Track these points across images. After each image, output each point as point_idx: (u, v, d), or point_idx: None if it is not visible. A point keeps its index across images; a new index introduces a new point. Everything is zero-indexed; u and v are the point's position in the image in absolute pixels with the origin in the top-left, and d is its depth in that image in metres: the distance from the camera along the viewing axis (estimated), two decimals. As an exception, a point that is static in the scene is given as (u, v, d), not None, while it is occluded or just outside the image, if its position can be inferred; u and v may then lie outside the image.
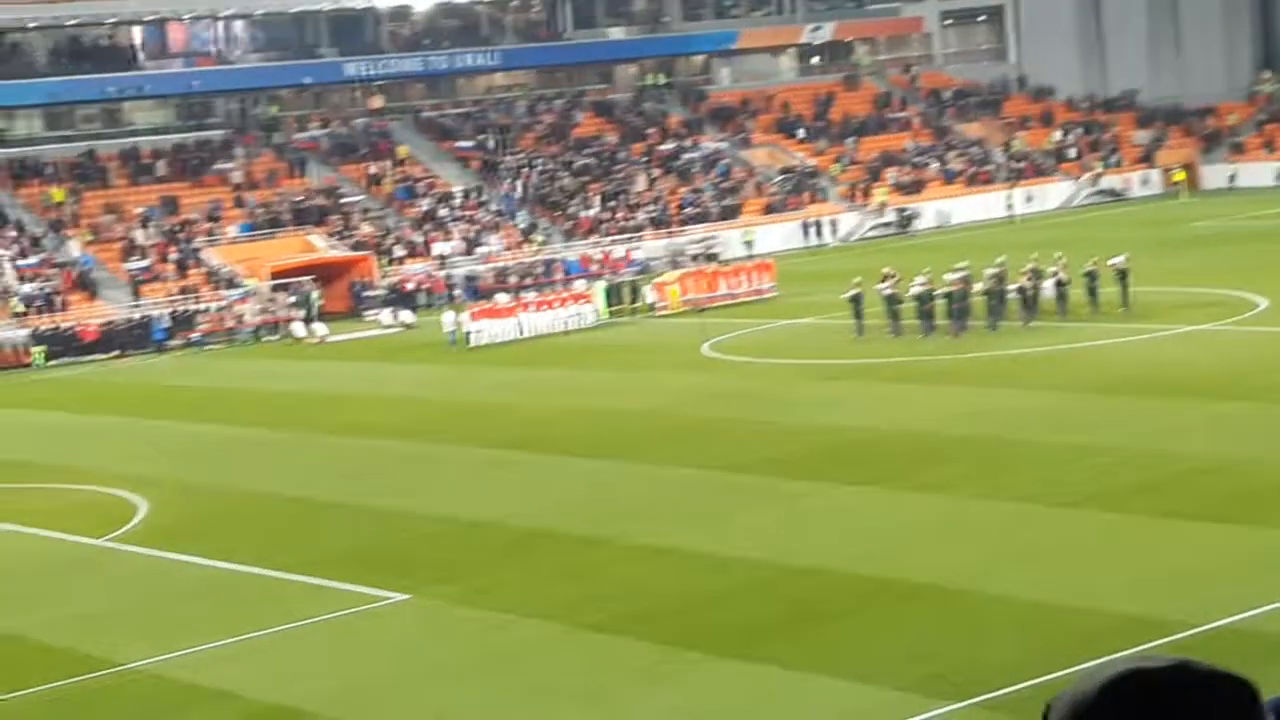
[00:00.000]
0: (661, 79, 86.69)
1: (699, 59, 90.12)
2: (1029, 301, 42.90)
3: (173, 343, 58.57)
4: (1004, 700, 16.98)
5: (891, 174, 79.10)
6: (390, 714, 18.69)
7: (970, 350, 40.03)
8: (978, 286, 43.32)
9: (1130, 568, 21.23)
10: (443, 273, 66.15)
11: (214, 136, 75.34)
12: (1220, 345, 37.62)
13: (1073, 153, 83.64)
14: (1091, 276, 43.45)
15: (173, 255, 65.59)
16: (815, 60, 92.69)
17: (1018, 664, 17.76)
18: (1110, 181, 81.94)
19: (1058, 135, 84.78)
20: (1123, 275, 43.49)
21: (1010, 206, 77.19)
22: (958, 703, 17.07)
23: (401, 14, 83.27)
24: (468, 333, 50.76)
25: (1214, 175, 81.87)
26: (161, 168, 72.15)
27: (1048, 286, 43.56)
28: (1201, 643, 17.62)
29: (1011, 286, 43.30)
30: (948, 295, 43.10)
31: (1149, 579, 20.60)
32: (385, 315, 59.65)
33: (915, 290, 43.30)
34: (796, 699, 17.83)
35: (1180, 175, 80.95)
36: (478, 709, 18.57)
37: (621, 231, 71.13)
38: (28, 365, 56.61)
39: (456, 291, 63.63)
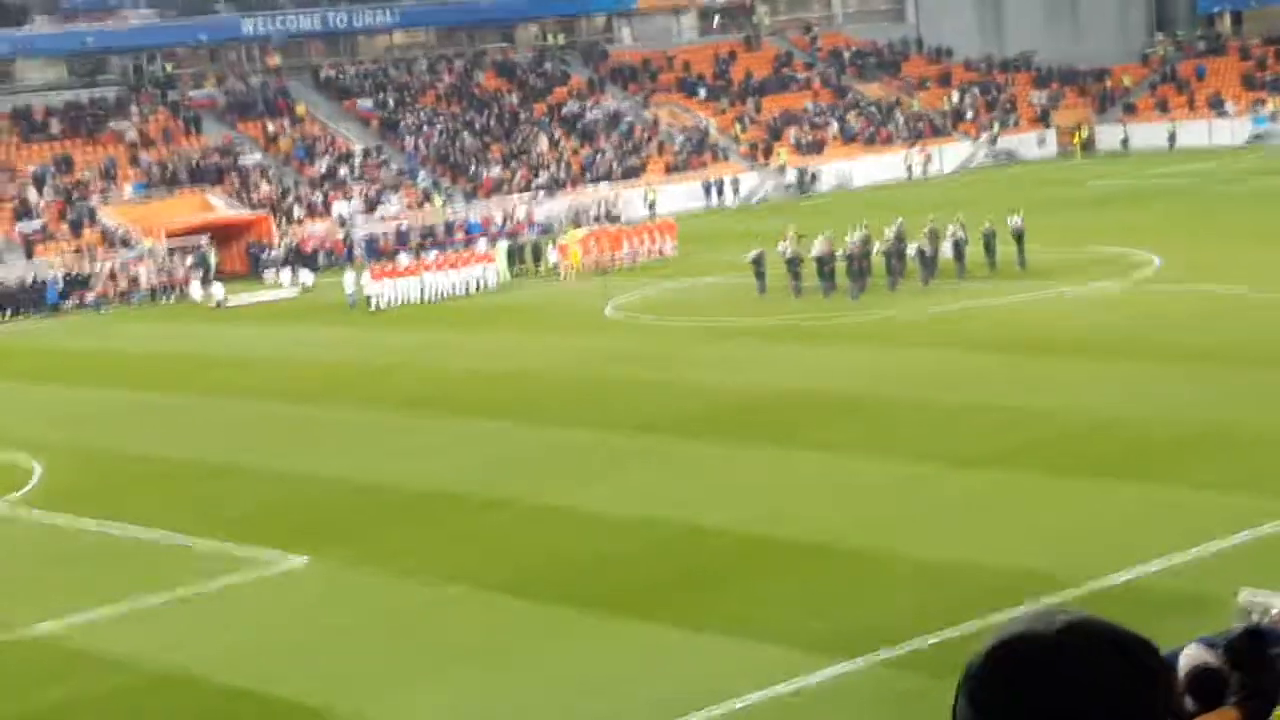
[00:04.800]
0: (562, 39, 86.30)
1: (600, 19, 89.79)
2: (928, 261, 43.27)
3: (67, 304, 57.67)
4: (901, 657, 17.18)
5: (792, 134, 79.35)
6: (287, 678, 18.58)
7: (869, 310, 40.32)
8: (877, 247, 43.62)
9: (1023, 525, 21.53)
10: (342, 233, 65.56)
11: (108, 94, 74.05)
12: (1114, 304, 38.14)
13: (970, 113, 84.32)
14: (989, 236, 43.89)
15: (67, 215, 64.50)
16: (716, 20, 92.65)
17: (914, 621, 17.96)
18: (1007, 142, 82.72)
19: (955, 96, 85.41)
20: (1019, 235, 43.97)
21: (908, 167, 77.78)
22: (855, 659, 17.25)
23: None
24: (368, 294, 50.38)
25: (1108, 136, 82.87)
26: (54, 126, 70.83)
27: (946, 246, 43.96)
28: (1094, 597, 17.93)
29: (911, 247, 43.65)
30: (848, 256, 43.35)
31: (1042, 536, 20.90)
32: (284, 276, 59.05)
33: (816, 251, 43.51)
34: (696, 658, 17.93)
35: (1082, 135, 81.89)
36: (376, 671, 18.51)
37: (523, 191, 70.84)
38: (-83, 328, 55.51)
39: (356, 252, 63.10)
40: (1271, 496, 21.13)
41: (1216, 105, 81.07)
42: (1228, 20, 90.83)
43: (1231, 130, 79.00)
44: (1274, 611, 12.32)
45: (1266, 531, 19.88)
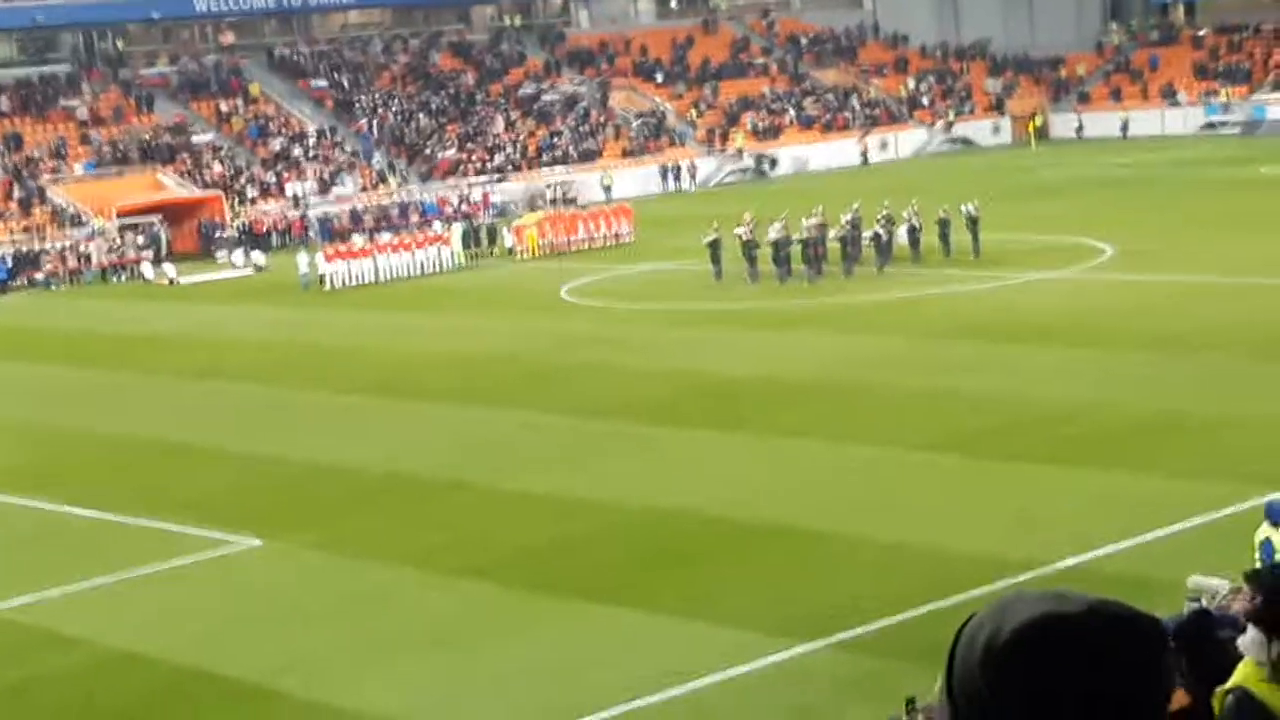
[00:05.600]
0: (519, 20, 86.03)
1: (557, 1, 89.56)
2: (883, 247, 43.38)
3: (15, 283, 57.14)
4: (863, 639, 17.23)
5: (749, 119, 79.40)
6: (242, 660, 18.46)
7: (826, 295, 40.40)
8: (833, 233, 43.69)
9: (981, 509, 21.62)
10: (296, 213, 65.20)
11: (59, 71, 73.34)
12: (1068, 292, 38.35)
13: (926, 100, 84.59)
14: (944, 223, 44.04)
15: (16, 193, 63.86)
16: (673, 4, 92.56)
17: (876, 604, 18.01)
18: (962, 129, 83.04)
19: (911, 83, 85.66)
20: (974, 222, 44.14)
21: (863, 153, 78.01)
22: (815, 642, 17.28)
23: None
24: (322, 275, 50.13)
25: (1061, 124, 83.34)
26: (4, 103, 70.10)
27: (901, 233, 44.09)
28: (1049, 581, 18.00)
29: (866, 233, 43.75)
30: (804, 241, 43.41)
31: (999, 520, 21.00)
32: (237, 256, 58.70)
33: (772, 236, 43.54)
34: (659, 642, 17.91)
35: (1037, 123, 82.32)
36: (333, 655, 18.42)
37: (479, 174, 70.61)
38: None
39: (310, 233, 62.76)
40: (1225, 481, 21.29)
41: (1169, 95, 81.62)
42: (1181, 10, 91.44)
43: (1184, 119, 79.56)
44: (1221, 596, 12.41)
45: (1220, 516, 20.03)
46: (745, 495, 23.07)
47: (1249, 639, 8.29)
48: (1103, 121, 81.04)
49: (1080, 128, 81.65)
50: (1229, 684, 7.68)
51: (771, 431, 26.76)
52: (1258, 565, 13.01)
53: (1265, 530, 15.26)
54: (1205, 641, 5.98)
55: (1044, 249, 44.32)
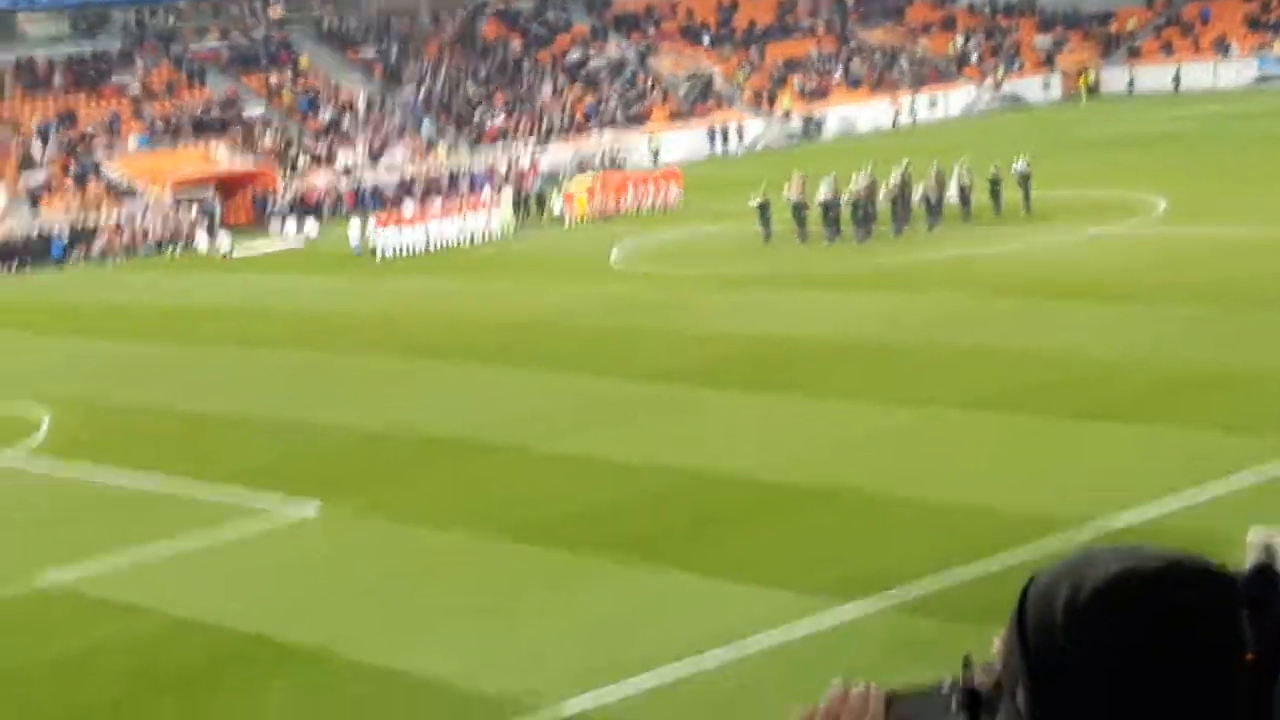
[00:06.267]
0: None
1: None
2: (933, 207, 43.20)
3: (72, 257, 57.70)
4: (913, 601, 17.28)
5: (796, 80, 79.07)
6: (299, 625, 18.70)
7: (875, 256, 40.29)
8: (882, 192, 43.54)
9: (1031, 467, 21.60)
10: (347, 183, 65.48)
11: (111, 48, 73.82)
12: (1120, 247, 38.11)
13: (974, 58, 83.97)
14: (994, 181, 43.80)
15: (71, 169, 64.43)
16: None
17: (925, 564, 18.06)
18: (1012, 86, 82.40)
19: (959, 41, 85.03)
20: (1025, 179, 43.87)
21: (912, 112, 77.55)
22: (864, 603, 17.35)
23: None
24: (373, 244, 50.38)
25: (1113, 79, 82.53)
26: (57, 80, 70.65)
27: (951, 191, 43.88)
28: (1103, 539, 17.99)
29: (916, 191, 43.57)
30: (853, 202, 43.30)
31: (1049, 478, 20.97)
32: (289, 227, 59.05)
33: (821, 197, 43.44)
34: (706, 605, 18.03)
35: (1088, 79, 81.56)
36: (387, 619, 18.63)
37: (527, 140, 70.67)
38: (-77, 282, 55.55)
39: (362, 202, 63.02)
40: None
41: (1221, 48, 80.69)
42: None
43: (1236, 72, 78.64)
44: (1282, 549, 12.38)
45: (1275, 469, 19.94)
46: (794, 458, 23.12)
47: None
48: (1154, 75, 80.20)
49: (1131, 82, 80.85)
50: None
51: (820, 393, 26.77)
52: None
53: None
54: (1270, 596, 6.00)
55: (1096, 204, 44.02)
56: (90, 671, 18.22)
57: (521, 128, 71.96)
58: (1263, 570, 8.52)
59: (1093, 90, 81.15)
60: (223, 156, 66.81)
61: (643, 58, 79.84)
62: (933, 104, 78.72)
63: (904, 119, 77.17)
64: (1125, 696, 2.03)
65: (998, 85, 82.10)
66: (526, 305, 38.32)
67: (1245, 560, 12.18)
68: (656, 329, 33.73)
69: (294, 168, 66.55)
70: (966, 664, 12.07)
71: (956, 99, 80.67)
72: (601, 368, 30.44)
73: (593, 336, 33.72)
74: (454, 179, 65.63)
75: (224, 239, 56.87)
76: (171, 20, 77.09)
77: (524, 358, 32.17)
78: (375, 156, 68.50)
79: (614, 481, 22.95)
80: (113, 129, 67.59)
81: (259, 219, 62.31)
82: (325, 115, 71.57)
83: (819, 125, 76.15)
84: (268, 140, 68.48)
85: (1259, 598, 6.32)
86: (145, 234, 59.23)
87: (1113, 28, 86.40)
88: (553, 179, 63.75)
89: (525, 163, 67.10)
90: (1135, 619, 2.03)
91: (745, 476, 22.42)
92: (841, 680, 2.19)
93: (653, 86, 77.45)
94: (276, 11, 78.70)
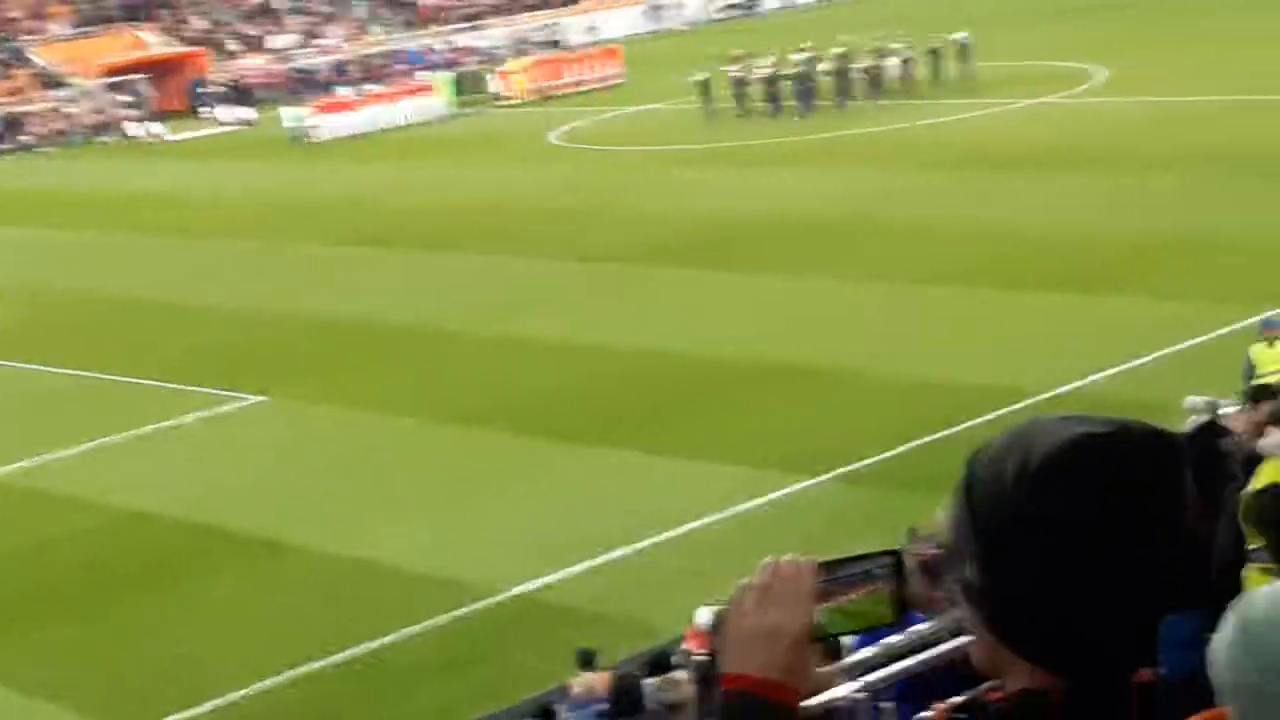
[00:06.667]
0: None
1: None
2: (875, 80, 43.01)
3: (2, 147, 56.71)
4: (863, 472, 17.42)
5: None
6: (251, 514, 18.66)
7: (818, 131, 40.12)
8: (823, 66, 43.29)
9: (980, 339, 21.70)
10: (281, 67, 64.49)
11: (32, -70, 72.01)
12: (1062, 117, 38.08)
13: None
14: (935, 54, 43.60)
15: (-3, 56, 63.14)
16: None
17: (875, 438, 18.16)
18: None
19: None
20: (966, 50, 43.70)
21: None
22: (817, 477, 17.46)
23: None
24: (310, 127, 49.73)
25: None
26: (-22, -36, 69.00)
27: (892, 64, 43.67)
28: (1047, 405, 18.13)
29: (857, 65, 43.34)
30: (794, 76, 43.03)
31: (999, 349, 21.08)
32: (223, 112, 58.17)
33: (762, 72, 43.15)
34: (658, 482, 18.11)
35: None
36: (340, 506, 18.62)
37: (464, 20, 69.70)
38: None
39: (296, 86, 62.10)
40: (1218, 303, 21.32)
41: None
42: None
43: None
44: (1218, 412, 12.53)
45: (1213, 337, 20.09)
46: (743, 334, 23.14)
47: (1273, 441, 8.40)
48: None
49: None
50: (1257, 485, 7.82)
51: (768, 270, 26.75)
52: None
53: (1257, 348, 15.36)
54: (1211, 453, 6.09)
55: (1038, 75, 43.89)
56: (42, 565, 18.14)
57: (457, 7, 70.91)
58: (1205, 429, 8.64)
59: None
60: (152, 41, 65.60)
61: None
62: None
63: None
64: (1074, 560, 2.04)
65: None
66: (468, 188, 38.00)
67: (1182, 426, 12.34)
68: (600, 209, 33.54)
69: (224, 51, 65.43)
70: (912, 534, 12.17)
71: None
72: (546, 250, 30.28)
73: (536, 218, 33.50)
74: (390, 61, 64.75)
75: (157, 126, 56.00)
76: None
77: (467, 241, 31.95)
78: (309, 39, 67.42)
79: (563, 363, 22.90)
80: (38, 14, 66.16)
81: (193, 105, 61.34)
82: (256, -3, 70.31)
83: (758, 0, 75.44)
84: (197, 23, 67.25)
85: (1202, 455, 6.41)
86: (76, 121, 58.22)
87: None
88: (490, 59, 63.01)
89: (461, 43, 66.26)
90: (1087, 483, 2.04)
91: (695, 355, 22.43)
92: (772, 555, 2.19)
93: (589, -38, 76.37)
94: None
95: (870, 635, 7.55)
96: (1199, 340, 20.16)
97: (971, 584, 2.11)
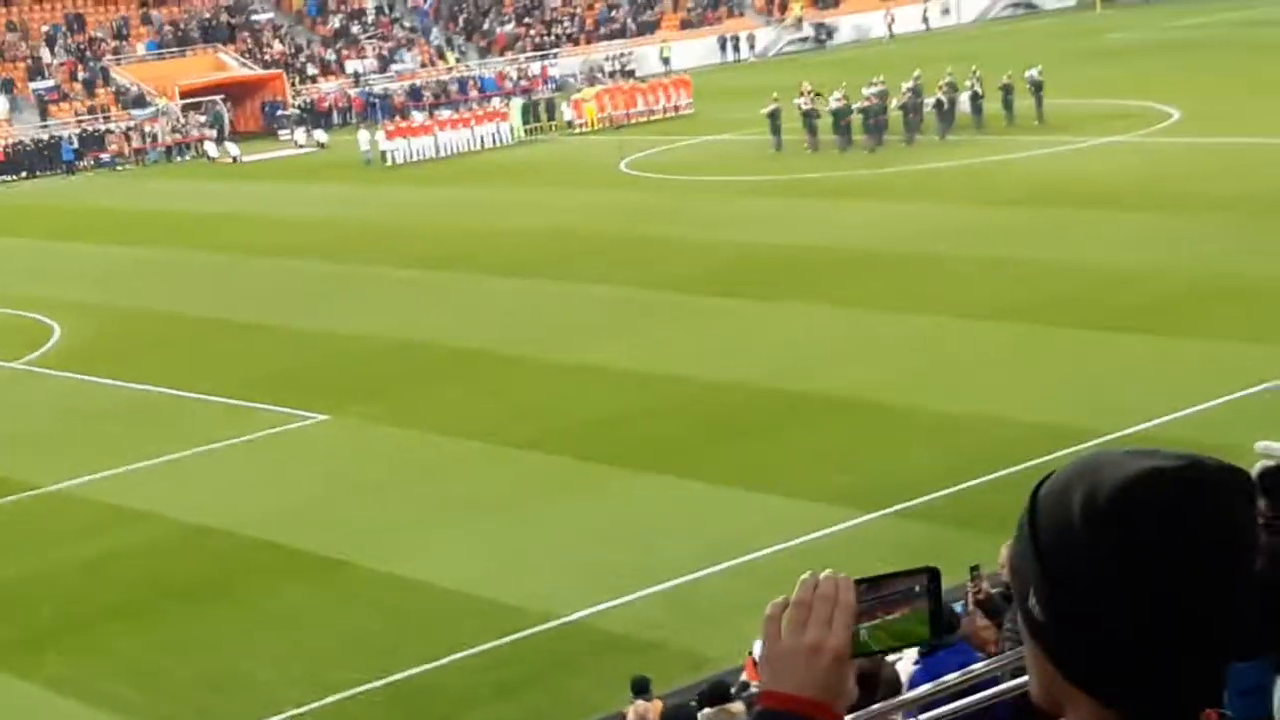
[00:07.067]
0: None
1: None
2: (945, 115, 42.92)
3: (82, 163, 57.54)
4: (919, 509, 17.34)
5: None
6: (311, 532, 18.81)
7: (887, 165, 40.07)
8: (894, 101, 43.26)
9: (1043, 378, 21.57)
10: (356, 91, 65.12)
11: (116, -49, 73.14)
12: (1133, 157, 37.83)
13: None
14: (1007, 90, 43.45)
15: (80, 74, 64.08)
16: None
17: (933, 473, 18.09)
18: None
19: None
20: (1037, 87, 43.54)
21: (925, 19, 76.81)
22: (875, 512, 17.41)
23: None
24: (383, 151, 50.19)
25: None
26: (63, -16, 70.11)
27: (963, 100, 43.57)
28: (1113, 448, 17.95)
29: (928, 100, 43.28)
30: (864, 110, 43.03)
31: (1062, 388, 20.95)
32: (299, 135, 58.80)
33: (832, 105, 43.17)
34: (715, 511, 18.11)
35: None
36: (400, 526, 18.73)
37: (537, 48, 70.16)
38: (-68, 189, 55.47)
39: (371, 110, 62.68)
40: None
41: (1240, -46, 79.63)
42: None
43: (1255, -21, 77.61)
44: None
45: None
46: (806, 366, 23.12)
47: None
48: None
49: (1148, -11, 79.87)
50: None
51: (833, 302, 26.72)
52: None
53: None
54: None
55: (1109, 114, 43.68)
56: (104, 577, 18.36)
57: (531, 35, 71.38)
58: (1274, 471, 8.57)
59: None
60: (231, 63, 66.41)
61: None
62: (945, 11, 77.95)
63: (917, 26, 76.43)
64: (1140, 595, 2.00)
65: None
66: (536, 214, 38.19)
67: (1253, 468, 12.21)
68: (667, 237, 33.62)
69: (303, 75, 66.15)
70: (975, 572, 12.05)
71: (970, 6, 79.85)
72: (613, 277, 30.38)
73: (605, 246, 33.63)
74: (463, 87, 65.24)
75: (233, 146, 56.66)
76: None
77: (535, 266, 32.10)
78: (385, 64, 68.04)
79: (626, 390, 22.97)
80: (121, 34, 67.15)
81: (268, 126, 62.04)
82: (334, 22, 71.03)
83: (830, 32, 75.47)
84: (276, 47, 68.03)
85: (1272, 497, 6.36)
86: (154, 140, 59.01)
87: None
88: (562, 87, 63.36)
89: (535, 71, 66.66)
90: (1155, 517, 2.00)
91: (757, 385, 22.43)
92: (811, 572, 2.18)
93: (664, -7, 76.69)
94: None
95: (927, 673, 7.53)
96: (1269, 384, 19.92)
97: (1035, 617, 2.07)
